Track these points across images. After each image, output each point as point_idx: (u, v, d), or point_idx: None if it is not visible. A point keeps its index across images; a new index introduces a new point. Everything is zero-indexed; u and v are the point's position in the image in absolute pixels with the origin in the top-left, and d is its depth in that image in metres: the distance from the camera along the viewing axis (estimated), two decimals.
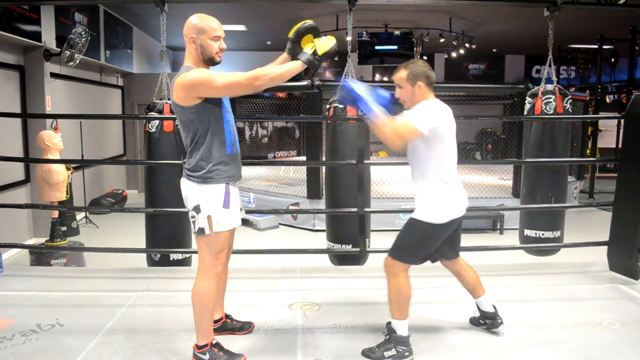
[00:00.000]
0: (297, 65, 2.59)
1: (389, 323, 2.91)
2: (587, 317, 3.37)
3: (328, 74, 15.29)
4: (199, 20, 2.58)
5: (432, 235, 2.82)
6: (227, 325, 3.09)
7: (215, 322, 2.99)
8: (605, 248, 4.30)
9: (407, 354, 2.81)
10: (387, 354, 2.81)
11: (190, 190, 2.65)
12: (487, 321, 3.15)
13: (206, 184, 2.62)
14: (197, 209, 2.62)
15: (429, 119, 2.66)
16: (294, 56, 2.70)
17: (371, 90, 2.73)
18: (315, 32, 2.74)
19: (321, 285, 4.03)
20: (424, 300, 3.25)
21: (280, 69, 2.56)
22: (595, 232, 5.13)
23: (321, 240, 5.07)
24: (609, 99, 12.55)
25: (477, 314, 3.21)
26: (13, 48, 6.65)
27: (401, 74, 2.80)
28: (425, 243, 2.85)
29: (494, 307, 3.14)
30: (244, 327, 3.13)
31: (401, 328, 2.82)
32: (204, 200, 2.61)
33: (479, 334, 3.13)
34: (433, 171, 2.79)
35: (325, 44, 2.64)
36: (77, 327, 3.21)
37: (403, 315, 2.82)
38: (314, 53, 2.61)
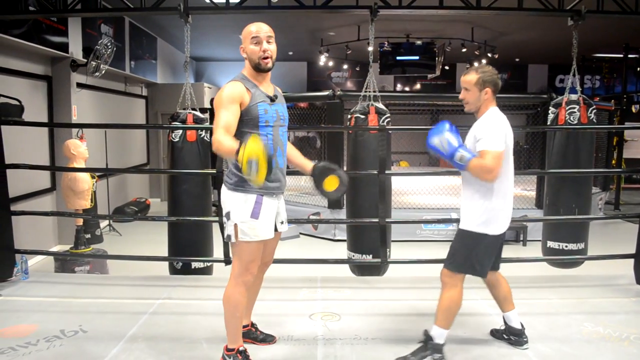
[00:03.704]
0: (231, 150, 2.35)
1: (426, 330, 2.91)
2: (613, 331, 3.30)
3: (349, 84, 15.32)
4: (244, 29, 2.64)
5: (491, 246, 2.84)
6: (250, 334, 3.09)
7: (244, 326, 3.03)
8: (631, 261, 4.22)
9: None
10: None
11: (225, 196, 2.69)
12: (512, 337, 3.11)
13: (237, 192, 2.64)
14: (227, 215, 2.66)
15: (500, 137, 2.73)
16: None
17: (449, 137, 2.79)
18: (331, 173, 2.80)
19: (342, 295, 4.02)
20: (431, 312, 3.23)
21: (222, 147, 2.42)
22: (621, 244, 5.04)
23: (342, 250, 5.05)
24: (634, 108, 12.34)
25: (502, 328, 3.17)
26: (41, 59, 6.80)
27: (471, 77, 2.83)
28: (483, 254, 2.84)
29: (522, 324, 3.11)
30: (266, 339, 3.13)
31: (440, 336, 2.85)
32: (234, 208, 2.64)
33: (501, 347, 3.09)
34: (495, 184, 2.79)
35: (250, 149, 2.24)
36: (99, 334, 3.25)
37: (448, 325, 2.86)
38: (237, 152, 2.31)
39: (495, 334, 3.21)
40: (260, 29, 2.61)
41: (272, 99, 2.68)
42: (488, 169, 2.68)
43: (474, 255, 2.83)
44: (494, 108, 2.86)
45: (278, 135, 2.70)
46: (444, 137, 2.77)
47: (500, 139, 2.73)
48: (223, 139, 2.44)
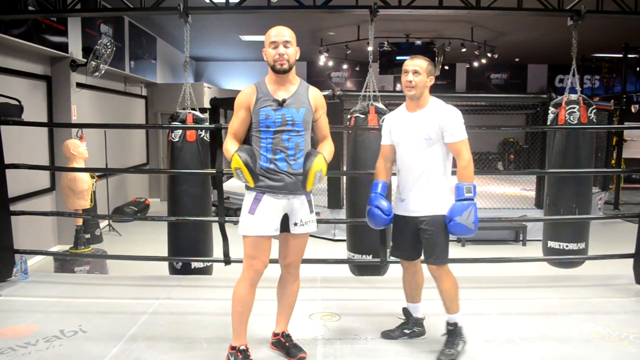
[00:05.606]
0: (228, 154, 2.73)
1: (448, 321, 2.98)
2: (612, 331, 3.30)
3: (349, 84, 15.32)
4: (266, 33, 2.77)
5: None
6: (280, 344, 3.02)
7: (275, 335, 3.05)
8: (631, 260, 4.22)
9: (465, 339, 3.00)
10: (459, 348, 2.95)
11: None
12: (416, 329, 3.20)
13: (245, 190, 2.82)
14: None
15: (463, 124, 2.90)
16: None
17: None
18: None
19: (341, 295, 4.02)
20: (433, 313, 3.23)
21: (225, 154, 2.78)
22: (620, 244, 5.03)
23: (341, 250, 5.05)
24: (634, 108, 12.34)
25: (400, 323, 3.23)
26: (41, 59, 6.80)
27: (422, 62, 2.95)
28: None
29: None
30: (291, 354, 2.95)
31: (460, 319, 2.98)
32: (243, 203, 2.81)
33: (500, 347, 3.09)
34: (449, 167, 2.98)
35: (233, 162, 2.66)
36: (99, 334, 3.25)
37: (459, 307, 2.97)
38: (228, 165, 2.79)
39: (392, 333, 3.20)
40: (279, 33, 2.73)
41: (280, 104, 2.72)
42: (471, 161, 2.87)
43: (448, 237, 2.95)
44: (433, 97, 3.00)
45: (281, 139, 2.73)
46: (468, 214, 2.80)
47: (464, 126, 2.89)
48: (227, 147, 2.78)
